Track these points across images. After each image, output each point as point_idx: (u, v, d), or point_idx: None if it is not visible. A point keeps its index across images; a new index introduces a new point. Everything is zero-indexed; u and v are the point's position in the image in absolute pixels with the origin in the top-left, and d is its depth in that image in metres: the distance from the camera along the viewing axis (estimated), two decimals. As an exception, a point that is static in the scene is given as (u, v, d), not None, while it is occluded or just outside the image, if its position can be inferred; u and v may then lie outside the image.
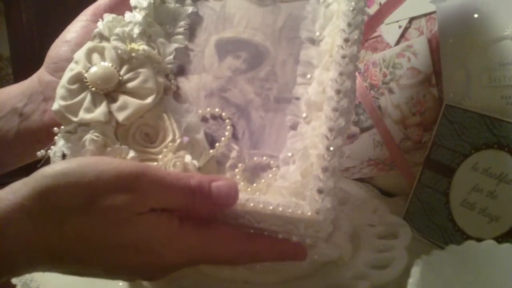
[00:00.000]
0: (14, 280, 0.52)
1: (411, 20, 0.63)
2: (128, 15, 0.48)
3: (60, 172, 0.36)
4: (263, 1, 0.49)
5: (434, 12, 0.60)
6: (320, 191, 0.38)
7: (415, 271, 0.40)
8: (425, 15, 0.61)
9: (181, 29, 0.49)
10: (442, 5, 0.59)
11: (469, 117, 0.55)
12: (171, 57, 0.47)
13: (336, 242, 0.47)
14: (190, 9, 0.50)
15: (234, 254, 0.40)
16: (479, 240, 0.45)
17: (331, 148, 0.40)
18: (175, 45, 0.48)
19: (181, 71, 0.48)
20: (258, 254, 0.41)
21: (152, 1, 0.48)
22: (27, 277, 0.52)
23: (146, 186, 0.37)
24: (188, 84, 0.47)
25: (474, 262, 0.43)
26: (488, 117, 0.54)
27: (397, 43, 0.64)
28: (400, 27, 0.64)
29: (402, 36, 0.64)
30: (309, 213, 0.38)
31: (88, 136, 0.42)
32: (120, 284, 0.48)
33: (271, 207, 0.38)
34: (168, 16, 0.49)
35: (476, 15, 0.55)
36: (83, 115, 0.42)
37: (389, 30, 0.65)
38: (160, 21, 0.49)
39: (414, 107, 0.63)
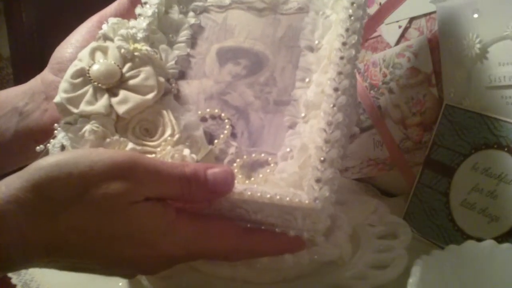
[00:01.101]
0: (14, 280, 0.52)
1: (411, 20, 0.63)
2: (132, 22, 0.49)
3: (53, 164, 0.36)
4: (264, 14, 0.50)
5: (434, 12, 0.60)
6: (318, 180, 0.38)
7: (415, 271, 0.40)
8: (425, 15, 0.61)
9: (183, 38, 0.50)
10: (442, 5, 0.59)
11: (469, 117, 0.55)
12: (173, 62, 0.48)
13: (336, 242, 0.47)
14: (192, 20, 0.51)
15: (231, 248, 0.40)
16: (479, 240, 0.45)
17: (329, 141, 0.40)
18: (176, 52, 0.49)
19: (182, 76, 0.49)
20: (256, 248, 0.41)
21: (156, 11, 0.49)
22: (27, 277, 0.52)
23: (140, 174, 0.37)
24: (188, 88, 0.48)
25: (474, 262, 0.43)
26: (488, 117, 0.54)
27: (397, 43, 0.64)
28: (400, 27, 0.64)
29: (402, 36, 0.64)
30: (307, 201, 0.38)
31: (88, 127, 0.42)
32: (120, 284, 0.48)
33: (268, 196, 0.38)
34: (171, 26, 0.50)
35: (476, 15, 0.55)
36: (84, 107, 0.43)
37: (389, 30, 0.65)
38: (163, 30, 0.50)
39: (414, 107, 0.63)
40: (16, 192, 0.35)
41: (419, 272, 0.40)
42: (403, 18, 0.63)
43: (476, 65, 0.55)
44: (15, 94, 0.52)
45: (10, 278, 0.52)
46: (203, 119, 0.46)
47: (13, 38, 1.80)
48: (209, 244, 0.40)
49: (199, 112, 0.46)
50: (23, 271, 0.53)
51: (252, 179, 0.42)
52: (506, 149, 0.52)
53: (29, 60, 1.81)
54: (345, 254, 0.47)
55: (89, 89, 0.44)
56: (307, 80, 0.45)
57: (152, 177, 0.38)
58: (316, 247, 0.42)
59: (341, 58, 0.43)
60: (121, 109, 0.43)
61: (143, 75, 0.45)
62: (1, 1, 1.76)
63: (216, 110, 0.46)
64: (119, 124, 0.44)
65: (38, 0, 1.80)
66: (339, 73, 0.42)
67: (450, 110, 0.57)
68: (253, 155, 0.43)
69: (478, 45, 0.55)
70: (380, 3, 0.65)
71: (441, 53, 0.59)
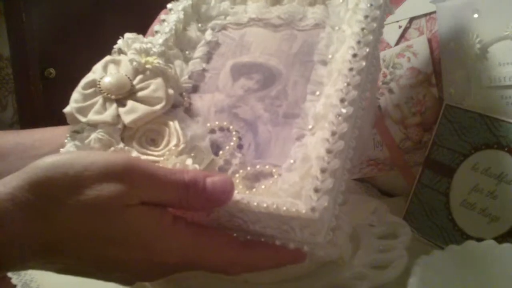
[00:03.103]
0: (14, 280, 0.52)
1: (411, 20, 0.63)
2: (149, 38, 0.50)
3: (50, 164, 0.36)
4: (280, 29, 0.51)
5: (434, 12, 0.60)
6: (316, 190, 0.38)
7: (415, 271, 0.40)
8: (425, 15, 0.61)
9: (199, 54, 0.51)
10: (442, 5, 0.59)
11: (469, 117, 0.55)
12: (186, 77, 0.49)
13: (336, 242, 0.47)
14: (210, 37, 0.52)
15: (229, 261, 0.40)
16: (479, 240, 0.45)
17: (331, 151, 0.39)
18: (191, 67, 0.50)
19: (195, 89, 0.49)
20: (254, 263, 0.40)
21: (174, 28, 0.51)
22: (27, 277, 0.52)
23: (136, 177, 0.37)
24: (200, 102, 0.48)
25: (474, 262, 0.43)
26: (488, 117, 0.54)
27: (397, 43, 0.64)
28: (400, 27, 0.64)
29: (402, 36, 0.64)
30: (303, 211, 0.37)
31: (94, 135, 0.43)
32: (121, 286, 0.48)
33: (265, 205, 0.38)
34: (189, 43, 0.52)
35: (476, 15, 0.55)
36: (92, 116, 0.44)
37: (389, 30, 0.65)
38: (180, 47, 0.51)
39: (414, 107, 0.63)
40: (13, 191, 0.35)
41: (419, 272, 0.40)
42: (403, 18, 0.63)
43: (476, 65, 0.55)
44: (62, 131, 0.53)
45: (10, 278, 0.52)
46: (212, 131, 0.46)
47: (13, 38, 1.80)
48: (206, 255, 0.39)
49: (208, 125, 0.46)
50: (23, 271, 0.53)
51: (254, 190, 0.41)
52: (506, 149, 0.52)
53: (29, 60, 1.81)
54: (345, 254, 0.47)
55: (98, 100, 0.44)
56: (317, 93, 0.45)
57: (149, 181, 0.37)
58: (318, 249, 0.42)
59: (350, 69, 0.43)
60: (127, 119, 0.44)
61: (153, 86, 0.45)
62: (1, 1, 1.76)
63: (225, 123, 0.46)
64: (125, 134, 0.44)
65: (38, 0, 1.80)
66: (347, 84, 0.42)
67: (450, 110, 0.57)
68: (258, 166, 0.43)
69: (478, 45, 0.55)
70: (380, 3, 0.65)
71: (441, 53, 0.59)
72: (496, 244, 0.44)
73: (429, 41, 0.61)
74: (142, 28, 0.64)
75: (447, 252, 0.44)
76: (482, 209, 0.52)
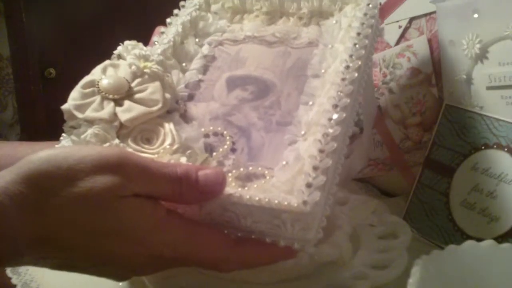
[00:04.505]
0: (14, 280, 0.52)
1: (411, 20, 0.63)
2: (148, 47, 0.51)
3: (44, 158, 0.37)
4: (275, 46, 0.53)
5: (434, 12, 0.60)
6: (308, 185, 0.38)
7: (415, 271, 0.40)
8: (425, 15, 0.61)
9: (196, 66, 0.52)
10: (442, 5, 0.59)
11: (469, 117, 0.55)
12: (183, 85, 0.50)
13: (336, 242, 0.47)
14: (206, 51, 0.54)
15: (221, 257, 0.40)
16: (479, 240, 0.45)
17: (323, 151, 0.40)
18: (188, 78, 0.51)
19: (191, 98, 0.50)
20: (246, 260, 0.41)
21: (172, 39, 0.52)
22: (27, 277, 0.52)
23: (129, 170, 0.37)
24: (195, 109, 0.49)
25: (474, 262, 0.43)
26: (488, 117, 0.54)
27: (397, 43, 0.64)
28: (400, 27, 0.64)
29: (402, 36, 0.64)
30: (295, 204, 0.37)
31: (90, 130, 0.43)
32: (120, 284, 0.48)
33: (257, 198, 0.38)
34: (186, 56, 0.53)
35: (476, 15, 0.55)
36: (89, 113, 0.44)
37: (389, 30, 0.65)
38: (178, 59, 0.53)
39: (414, 107, 0.63)
40: (7, 185, 0.35)
41: (419, 272, 0.40)
42: (403, 18, 0.63)
43: (476, 65, 0.56)
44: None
45: (10, 278, 0.52)
46: (206, 136, 0.47)
47: (13, 38, 1.80)
48: (199, 250, 0.39)
49: (202, 129, 0.47)
50: (23, 271, 0.53)
51: (246, 188, 0.42)
52: (506, 149, 0.52)
53: (29, 60, 1.81)
54: (345, 254, 0.47)
55: (96, 98, 0.45)
56: (310, 103, 0.46)
57: (141, 173, 0.38)
58: (316, 247, 0.42)
59: (343, 79, 0.44)
60: (124, 117, 0.44)
61: (150, 89, 0.46)
62: (1, 1, 1.76)
63: (219, 128, 0.47)
64: (121, 132, 0.45)
65: (38, 0, 1.80)
66: (339, 92, 0.44)
67: (450, 110, 0.57)
68: (250, 168, 0.43)
69: (478, 45, 0.55)
70: (380, 3, 0.65)
71: (441, 53, 0.59)
72: (496, 244, 0.44)
73: (429, 41, 0.61)
74: (143, 31, 0.64)
75: (447, 252, 0.43)
76: (482, 209, 0.52)
